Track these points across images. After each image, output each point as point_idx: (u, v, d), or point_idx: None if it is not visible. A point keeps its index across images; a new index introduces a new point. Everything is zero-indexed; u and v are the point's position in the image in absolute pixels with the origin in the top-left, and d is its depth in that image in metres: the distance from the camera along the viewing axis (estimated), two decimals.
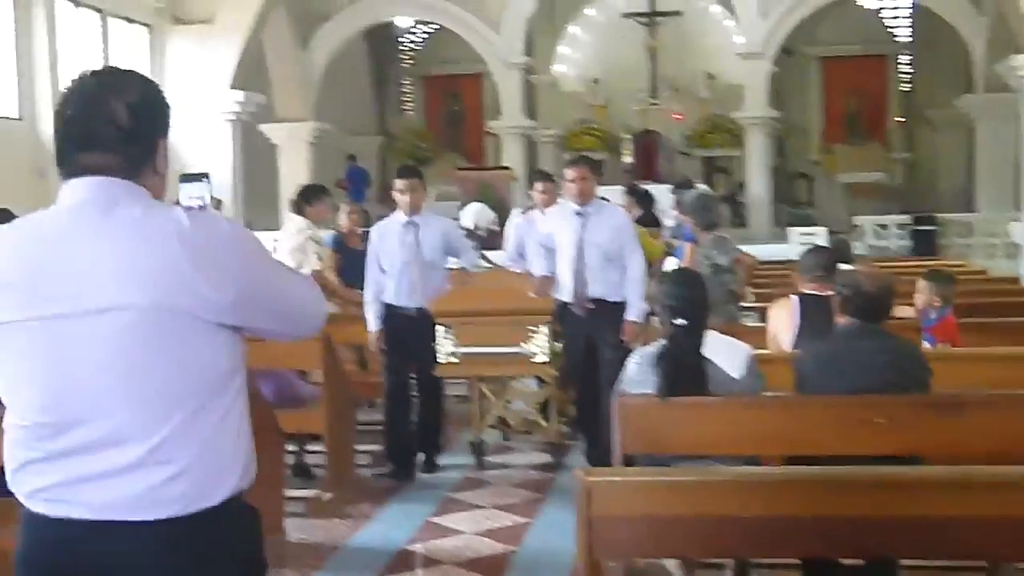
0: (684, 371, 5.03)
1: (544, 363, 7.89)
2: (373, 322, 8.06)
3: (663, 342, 5.18)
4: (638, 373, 5.17)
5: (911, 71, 27.72)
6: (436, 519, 7.02)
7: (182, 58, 19.88)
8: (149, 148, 2.58)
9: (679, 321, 5.10)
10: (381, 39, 28.30)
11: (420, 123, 29.43)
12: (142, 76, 2.67)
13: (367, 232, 11.09)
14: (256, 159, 22.24)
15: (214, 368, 2.51)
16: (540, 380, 8.58)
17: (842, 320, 5.15)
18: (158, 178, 2.61)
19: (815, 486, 3.68)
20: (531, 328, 7.83)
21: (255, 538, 2.68)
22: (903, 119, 27.29)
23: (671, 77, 26.13)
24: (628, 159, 22.57)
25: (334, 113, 24.81)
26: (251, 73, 20.57)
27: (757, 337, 6.58)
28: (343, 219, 9.96)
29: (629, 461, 5.06)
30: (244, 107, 19.93)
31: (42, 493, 2.47)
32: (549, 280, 7.92)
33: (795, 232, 19.15)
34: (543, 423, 8.39)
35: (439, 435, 8.42)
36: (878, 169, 26.22)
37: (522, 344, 7.86)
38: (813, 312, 6.10)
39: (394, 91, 30.02)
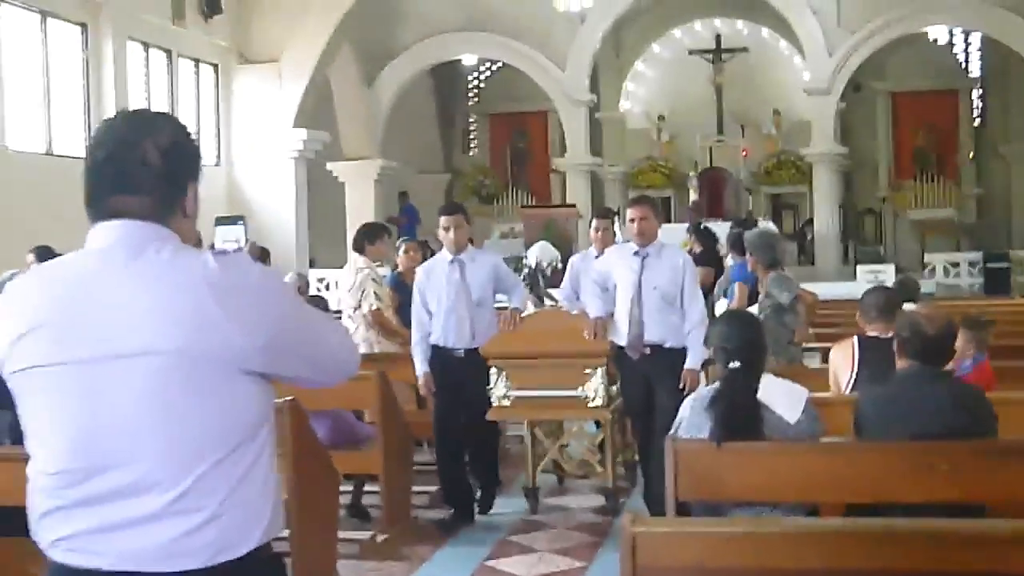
0: (739, 415, 4.90)
1: (600, 407, 7.70)
2: (420, 364, 7.88)
3: (718, 385, 5.07)
4: (692, 417, 5.06)
5: (983, 105, 27.39)
6: (491, 562, 6.95)
7: (248, 97, 20.13)
8: (179, 191, 2.55)
9: (734, 364, 4.99)
10: (447, 77, 28.43)
11: (485, 160, 29.48)
12: (174, 119, 2.65)
13: None
14: (323, 196, 22.41)
15: (242, 416, 2.46)
16: (597, 423, 8.54)
17: (902, 363, 5.01)
18: (188, 222, 2.58)
19: (872, 538, 3.54)
20: (587, 370, 7.63)
21: None
22: (975, 154, 26.90)
23: (737, 113, 26.02)
24: (693, 196, 22.43)
25: (400, 151, 24.95)
26: (317, 111, 20.78)
27: (819, 379, 6.46)
28: (400, 257, 9.93)
29: (683, 507, 4.94)
30: (308, 145, 20.12)
31: (64, 542, 2.42)
32: (604, 321, 7.63)
33: (863, 270, 18.89)
34: (598, 467, 8.23)
35: (496, 474, 8.29)
36: (949, 206, 25.85)
37: (578, 387, 7.65)
38: (874, 354, 5.96)
39: (460, 128, 30.12)
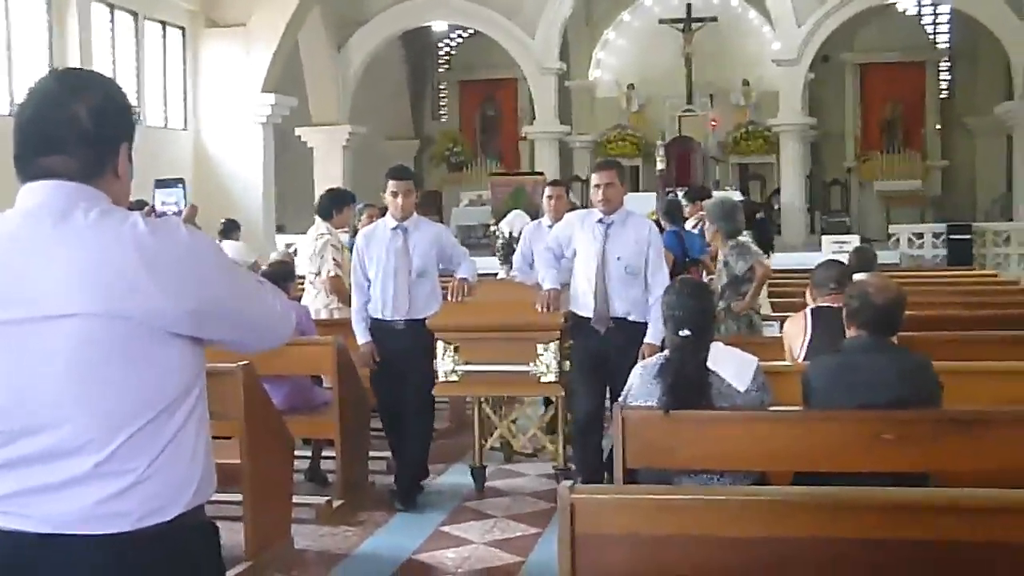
0: (688, 383, 4.93)
1: (552, 383, 7.28)
2: (361, 334, 7.51)
3: (667, 353, 5.09)
4: (641, 385, 5.08)
5: (950, 78, 27.49)
6: (446, 528, 6.95)
7: (216, 61, 20.03)
8: (111, 152, 2.50)
9: (683, 332, 5.01)
10: (417, 43, 28.33)
11: (455, 127, 29.40)
12: (105, 77, 2.61)
13: None
14: (292, 162, 22.33)
15: (171, 379, 2.44)
16: (547, 400, 8.29)
17: (851, 332, 5.04)
18: (120, 183, 2.53)
19: (808, 507, 3.55)
20: (539, 345, 7.22)
21: (211, 554, 2.60)
22: (941, 127, 27.01)
23: (707, 84, 26.00)
24: (660, 165, 22.43)
25: (369, 117, 24.85)
26: (285, 77, 20.68)
27: (776, 349, 6.50)
28: (362, 220, 9.88)
29: (631, 475, 4.96)
30: (276, 110, 20.05)
31: None
32: (558, 293, 7.24)
33: (828, 240, 18.96)
34: (549, 445, 8.02)
35: (424, 463, 7.73)
36: (915, 177, 25.96)
37: (530, 362, 7.24)
38: (826, 325, 5.99)
39: (430, 96, 30.09)
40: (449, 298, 7.45)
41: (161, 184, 2.88)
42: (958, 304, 9.84)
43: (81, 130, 2.43)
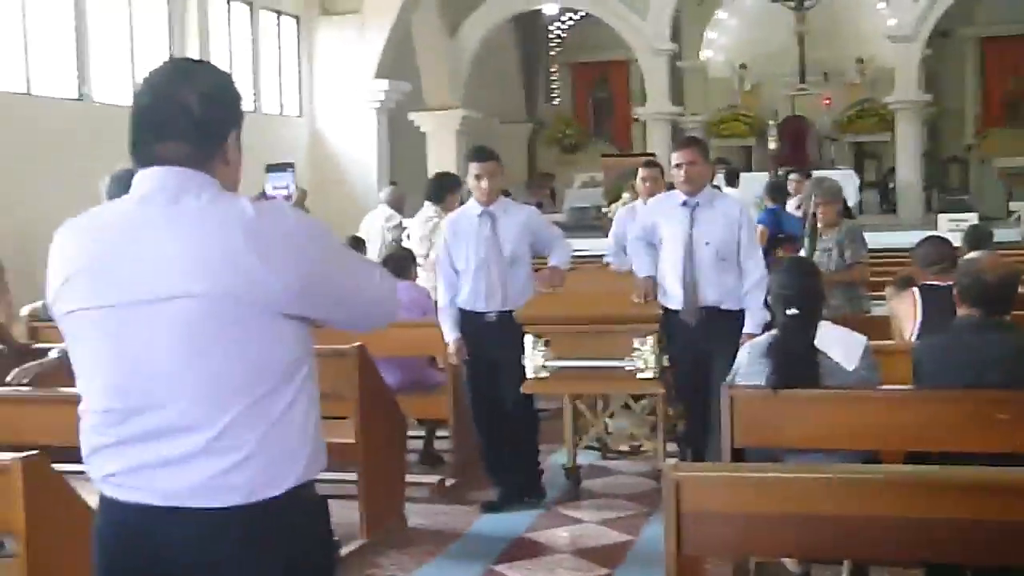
0: (796, 362, 4.94)
1: (650, 379, 6.65)
2: (449, 330, 6.94)
3: (775, 332, 5.10)
4: (749, 364, 5.10)
5: None
6: (560, 507, 7.01)
7: (330, 48, 20.29)
8: (220, 138, 2.59)
9: (791, 311, 5.02)
10: (529, 27, 28.39)
11: (568, 110, 29.43)
12: (215, 67, 2.69)
13: None
14: (406, 147, 22.53)
15: (279, 357, 2.51)
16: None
17: (962, 311, 4.99)
18: (229, 170, 2.62)
19: (911, 487, 3.56)
20: (636, 338, 6.59)
21: (321, 528, 2.68)
22: None
23: (820, 61, 25.68)
24: (773, 145, 22.21)
25: (482, 101, 24.96)
26: (399, 62, 20.83)
27: (884, 328, 6.45)
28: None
29: (739, 454, 4.99)
30: (390, 95, 20.25)
31: (112, 478, 2.52)
32: (654, 281, 6.73)
33: (944, 219, 18.61)
34: (647, 443, 7.58)
35: (536, 460, 7.23)
36: None
37: (626, 357, 6.63)
38: (934, 303, 5.92)
39: (542, 78, 30.13)
40: (539, 287, 6.96)
41: (272, 168, 2.97)
42: None
43: (192, 117, 2.52)
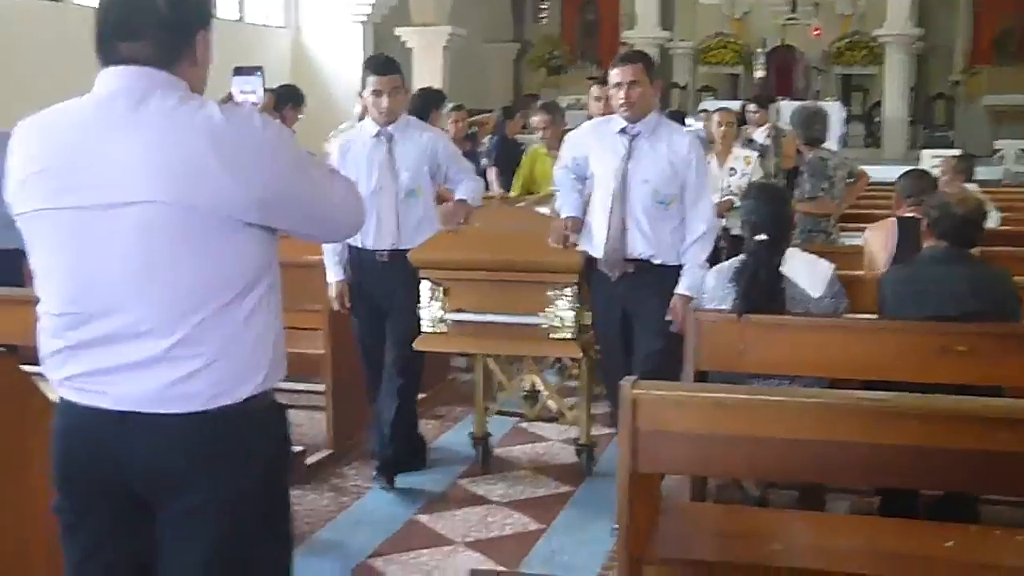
0: (762, 288, 4.97)
1: (567, 339, 5.72)
2: (332, 270, 5.96)
3: (742, 257, 5.12)
4: (716, 287, 5.13)
5: None
6: (524, 424, 7.06)
7: None
8: (188, 38, 2.54)
9: (759, 236, 5.03)
10: None
11: (556, 31, 29.21)
12: None
13: (472, 135, 11.04)
14: None
15: (241, 267, 2.50)
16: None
17: (929, 243, 5.03)
18: (197, 71, 2.57)
19: (861, 412, 3.58)
20: (551, 291, 5.67)
21: (279, 436, 2.69)
22: None
23: None
24: (760, 74, 22.13)
25: (470, 19, 24.71)
26: None
27: (857, 259, 6.48)
28: (448, 123, 9.88)
29: (702, 378, 5.03)
30: (376, 9, 20.07)
31: (70, 381, 2.53)
32: (576, 223, 5.52)
33: (928, 154, 18.60)
34: (567, 412, 6.49)
35: (415, 430, 6.35)
36: None
37: (539, 312, 5.69)
38: (910, 236, 5.95)
39: None
40: (440, 224, 5.84)
41: (240, 71, 2.91)
42: None
43: (159, 16, 2.47)
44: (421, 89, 9.91)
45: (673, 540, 3.92)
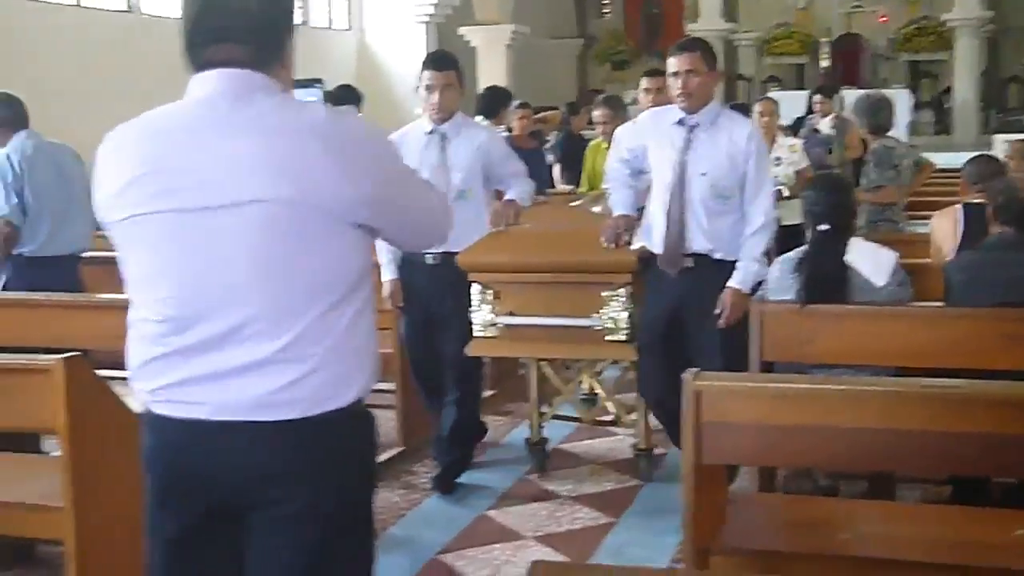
0: (825, 277, 4.97)
1: (621, 342, 5.56)
2: (385, 269, 5.82)
3: (805, 247, 5.12)
4: (780, 279, 5.13)
5: None
6: (583, 428, 6.99)
7: None
8: (280, 40, 2.53)
9: (822, 227, 5.03)
10: None
11: (619, 26, 29.18)
12: None
13: (537, 132, 11.07)
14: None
15: (347, 267, 2.47)
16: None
17: (995, 229, 5.00)
18: (286, 72, 2.55)
19: (927, 399, 3.58)
20: (605, 292, 5.51)
21: (372, 443, 2.67)
22: None
23: None
24: (825, 63, 21.99)
25: (533, 16, 24.76)
26: None
27: (923, 248, 6.43)
28: (513, 120, 9.94)
29: (767, 368, 5.04)
30: (439, 9, 20.19)
31: (165, 391, 2.46)
32: (628, 221, 5.46)
33: (999, 139, 18.35)
34: (626, 417, 6.30)
35: (470, 443, 6.29)
36: None
37: (592, 314, 5.54)
38: (977, 222, 5.90)
39: None
40: (490, 226, 5.73)
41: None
42: None
43: (252, 17, 2.46)
44: (488, 88, 9.96)
45: (740, 530, 3.93)
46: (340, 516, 2.51)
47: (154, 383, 2.47)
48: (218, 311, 2.39)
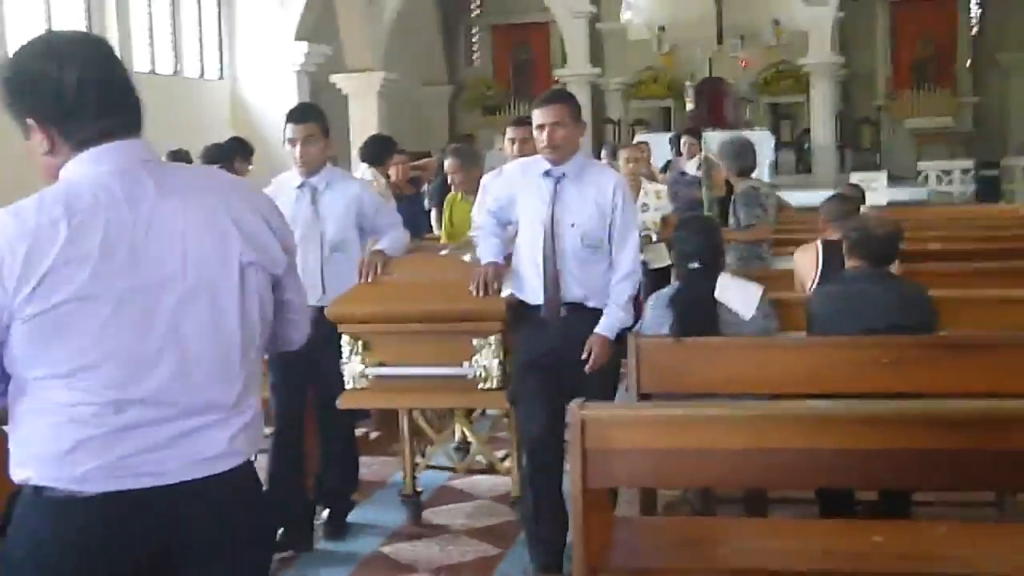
0: (697, 312, 5.27)
1: (493, 390, 5.49)
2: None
3: (677, 284, 5.43)
4: (654, 316, 5.42)
5: (981, 12, 27.32)
6: (480, 457, 7.22)
7: (250, 11, 20.32)
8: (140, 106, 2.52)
9: (693, 264, 5.34)
10: None
11: (489, 72, 29.60)
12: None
13: (415, 179, 11.28)
14: (328, 109, 22.45)
15: (266, 318, 2.57)
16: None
17: (851, 263, 5.36)
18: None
19: (793, 421, 3.88)
20: (475, 340, 5.45)
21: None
22: (972, 63, 26.89)
23: (738, 24, 26.00)
24: (690, 106, 22.61)
25: (403, 63, 25.00)
26: (320, 24, 20.91)
27: (787, 282, 6.80)
28: (392, 170, 10.10)
29: (646, 399, 5.31)
30: (310, 58, 20.35)
31: (101, 471, 2.34)
32: (496, 269, 5.35)
33: (855, 177, 19.11)
34: (500, 465, 6.38)
35: (351, 484, 6.28)
36: (946, 114, 25.93)
37: (463, 363, 5.48)
38: (835, 257, 6.28)
39: (463, 40, 30.20)
40: (358, 278, 5.68)
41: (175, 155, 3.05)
42: (972, 238, 10.01)
43: (131, 87, 2.48)
44: (372, 136, 10.05)
45: (626, 551, 4.18)
46: (270, 550, 2.72)
47: (84, 466, 2.33)
48: (171, 385, 2.37)
